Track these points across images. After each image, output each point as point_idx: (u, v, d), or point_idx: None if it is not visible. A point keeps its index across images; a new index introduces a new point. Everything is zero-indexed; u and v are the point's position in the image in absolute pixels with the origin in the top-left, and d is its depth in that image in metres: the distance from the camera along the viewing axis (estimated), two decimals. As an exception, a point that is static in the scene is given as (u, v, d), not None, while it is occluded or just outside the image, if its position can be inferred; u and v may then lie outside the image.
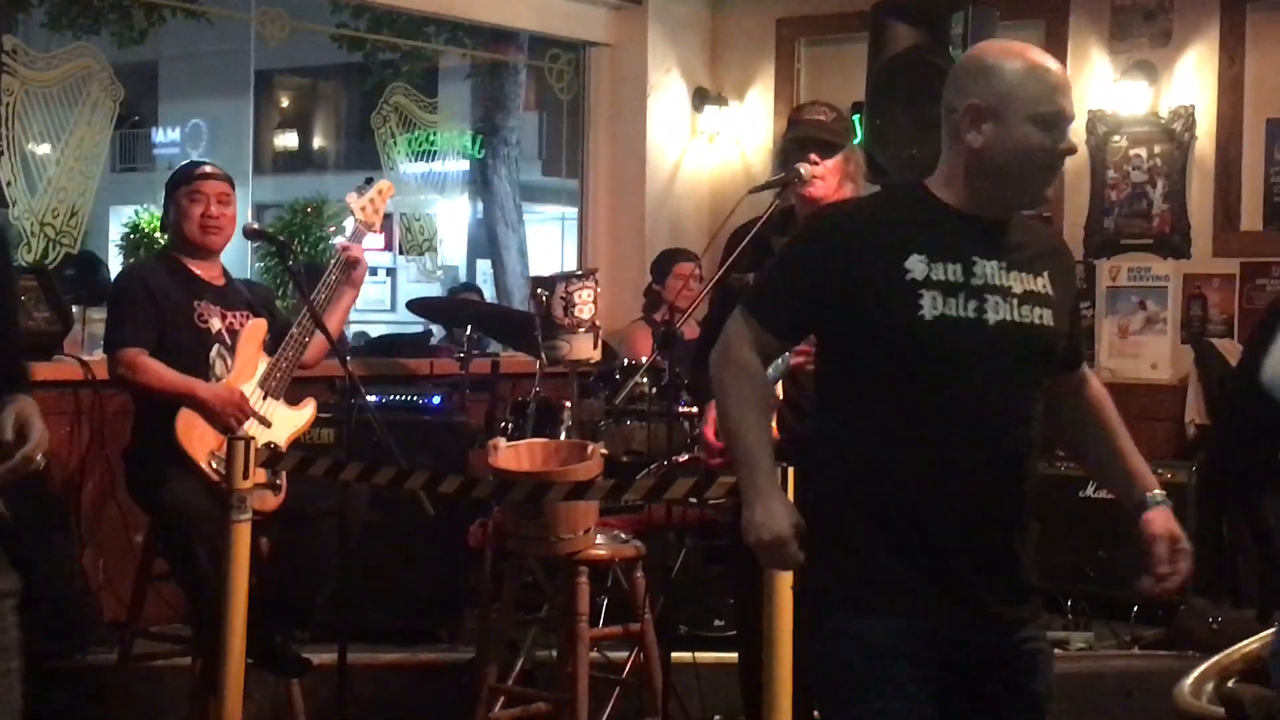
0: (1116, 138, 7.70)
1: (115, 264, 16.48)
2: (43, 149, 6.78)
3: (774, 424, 3.41)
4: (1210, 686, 1.93)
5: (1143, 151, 7.65)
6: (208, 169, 5.19)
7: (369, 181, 5.41)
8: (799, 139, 4.59)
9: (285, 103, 24.71)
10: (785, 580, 3.84)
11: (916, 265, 2.81)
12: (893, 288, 2.80)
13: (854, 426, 2.87)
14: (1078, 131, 7.78)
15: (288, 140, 24.61)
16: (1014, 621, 2.89)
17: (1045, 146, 2.86)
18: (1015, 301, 2.86)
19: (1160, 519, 2.96)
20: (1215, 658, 2.03)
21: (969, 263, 2.85)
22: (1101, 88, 7.72)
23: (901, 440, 2.82)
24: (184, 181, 5.08)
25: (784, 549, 2.81)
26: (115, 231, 21.10)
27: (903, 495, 2.81)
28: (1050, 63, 2.90)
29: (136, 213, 20.40)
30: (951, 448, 2.80)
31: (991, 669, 2.88)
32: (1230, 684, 1.96)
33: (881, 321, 2.81)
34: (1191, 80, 7.54)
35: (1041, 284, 2.92)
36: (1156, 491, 3.00)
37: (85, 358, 5.94)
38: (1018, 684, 2.91)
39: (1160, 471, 6.85)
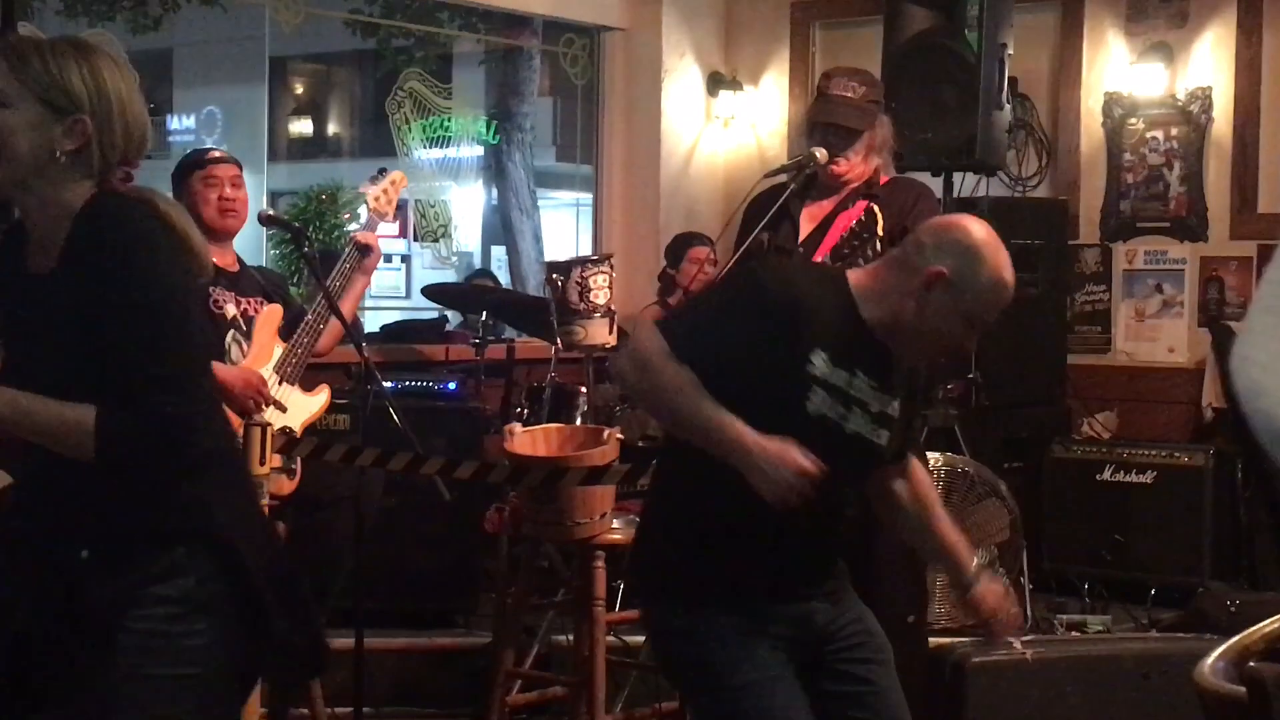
0: (1133, 120, 7.68)
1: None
2: (58, 136, 6.78)
3: None
4: (1231, 666, 1.93)
5: (1159, 134, 7.63)
6: (217, 153, 5.20)
7: (382, 172, 5.41)
8: (820, 124, 4.59)
9: (300, 89, 24.72)
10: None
11: (819, 361, 3.06)
12: (793, 372, 3.05)
13: (708, 461, 3.05)
14: (1094, 113, 7.76)
15: (302, 127, 24.62)
16: (833, 604, 3.25)
17: (957, 339, 3.19)
18: (869, 419, 3.16)
19: (986, 592, 3.32)
20: (1235, 638, 2.03)
21: (852, 373, 3.11)
22: (1118, 70, 7.70)
23: (745, 496, 3.00)
24: (196, 167, 5.09)
25: (803, 465, 2.95)
26: (131, 219, 21.05)
27: (738, 506, 3.04)
28: (1010, 278, 3.15)
29: (152, 200, 20.38)
30: (776, 513, 3.02)
31: (822, 640, 3.23)
32: (1251, 664, 1.95)
33: (769, 395, 3.04)
34: (1208, 62, 7.51)
35: (893, 408, 3.20)
36: (975, 565, 3.35)
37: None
38: (850, 661, 3.25)
39: (1177, 455, 6.93)
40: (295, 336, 5.03)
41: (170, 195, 4.93)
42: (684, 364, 3.04)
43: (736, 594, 3.15)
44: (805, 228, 4.35)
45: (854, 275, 3.20)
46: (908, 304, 3.10)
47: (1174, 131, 7.60)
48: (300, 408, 5.04)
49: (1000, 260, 3.12)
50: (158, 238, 2.58)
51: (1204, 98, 7.50)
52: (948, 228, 3.17)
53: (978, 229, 3.15)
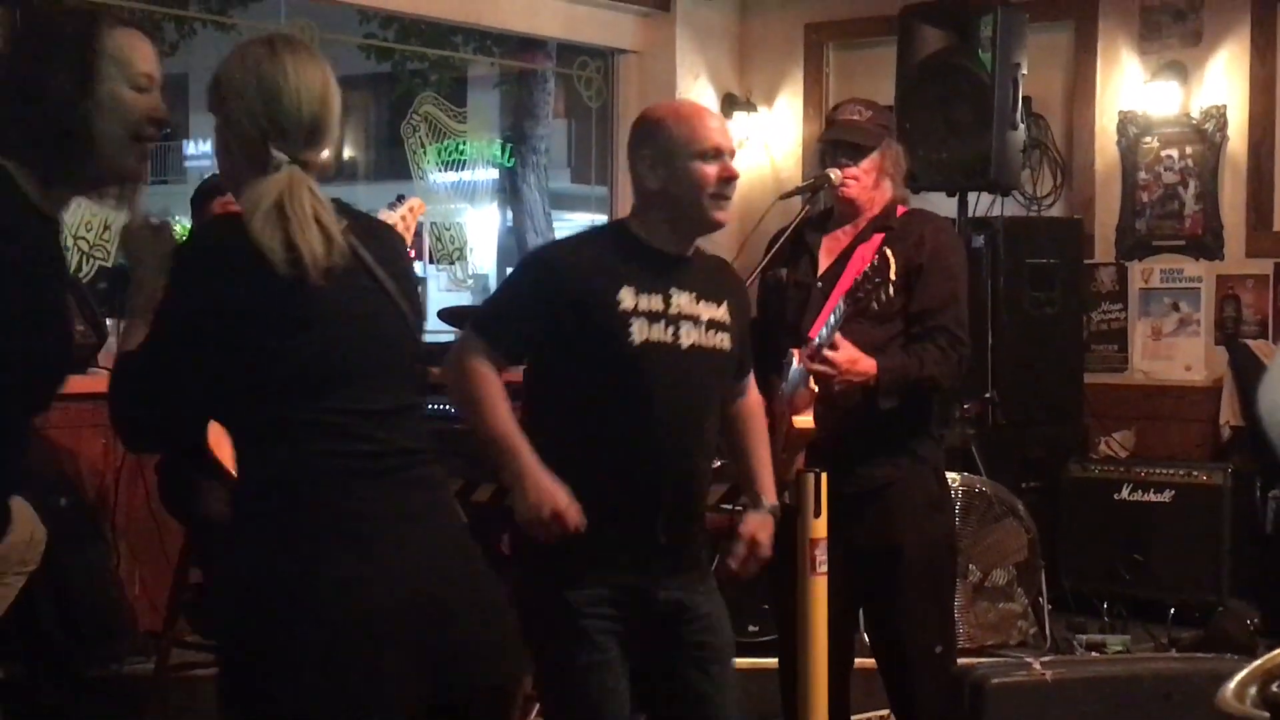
0: (1147, 139, 7.68)
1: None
2: (75, 162, 6.80)
3: (811, 421, 3.94)
4: (1254, 690, 1.92)
5: (1174, 152, 7.62)
6: None
7: (401, 198, 5.42)
8: (829, 141, 4.59)
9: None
10: (821, 583, 3.85)
11: (626, 296, 3.27)
12: (606, 313, 3.25)
13: (563, 430, 3.28)
14: (1109, 132, 7.76)
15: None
16: (684, 585, 3.36)
17: (711, 175, 3.36)
18: (702, 328, 3.35)
19: (753, 522, 3.54)
20: (1258, 661, 2.02)
21: (667, 294, 3.32)
22: (1132, 89, 7.70)
23: (603, 442, 3.27)
24: (216, 193, 5.10)
25: (564, 518, 3.18)
26: (147, 244, 21.14)
27: (600, 486, 3.22)
28: (677, 103, 3.61)
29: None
30: (644, 448, 3.27)
31: (667, 625, 3.34)
32: (1275, 687, 1.95)
33: (596, 343, 3.26)
34: (1222, 80, 7.51)
35: (722, 313, 3.40)
36: (766, 502, 3.57)
37: (120, 370, 5.95)
38: (690, 639, 3.37)
39: (1195, 474, 6.92)
40: None
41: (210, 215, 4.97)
42: (503, 355, 3.29)
43: (589, 566, 3.26)
44: (824, 261, 4.34)
45: (628, 218, 3.44)
46: (658, 200, 3.35)
47: (1189, 150, 7.59)
48: None
49: (675, 104, 3.64)
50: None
51: (1218, 116, 7.50)
52: (633, 130, 3.45)
53: (647, 109, 3.51)
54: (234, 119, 2.61)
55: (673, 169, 3.34)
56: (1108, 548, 6.93)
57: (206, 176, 5.52)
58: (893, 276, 4.08)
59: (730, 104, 8.81)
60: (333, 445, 2.57)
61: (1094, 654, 6.10)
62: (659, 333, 3.29)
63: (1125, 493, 7.00)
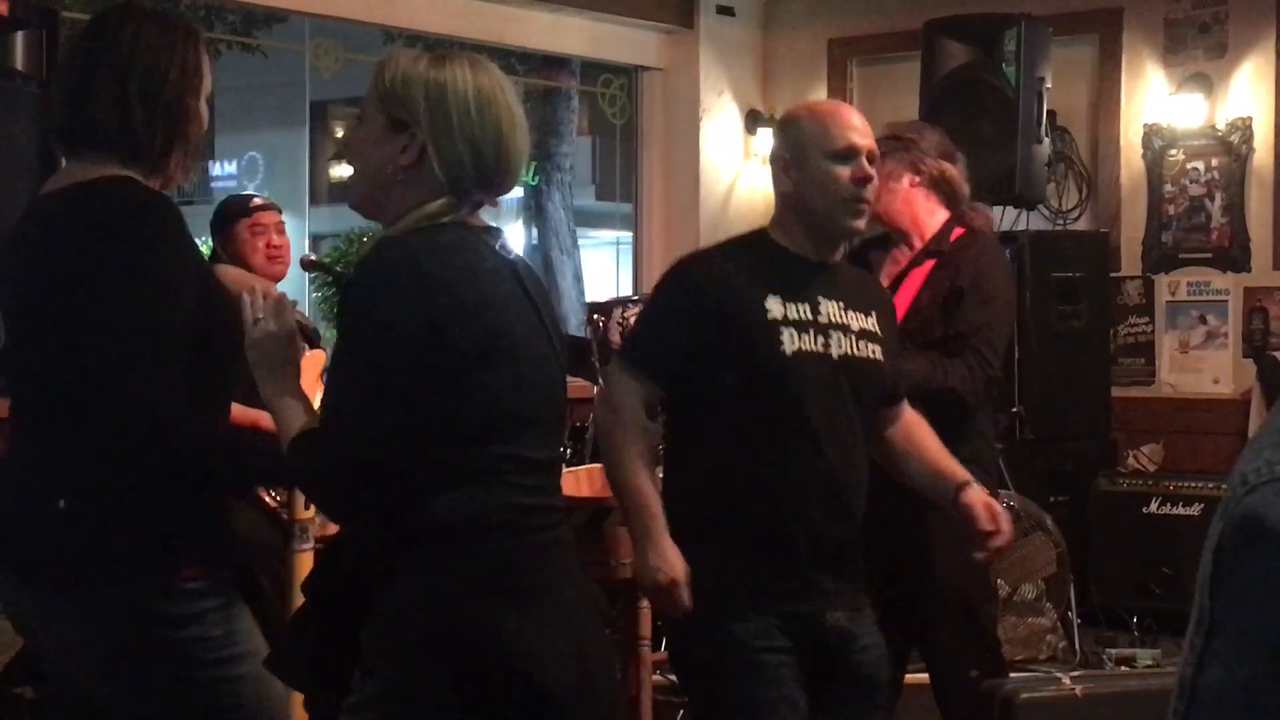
0: (1173, 151, 7.66)
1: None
2: (102, 184, 6.83)
3: None
4: None
5: (1200, 165, 7.60)
6: (260, 200, 5.24)
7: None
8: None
9: (340, 133, 24.89)
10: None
11: (774, 306, 3.14)
12: (755, 324, 3.12)
13: (714, 450, 3.16)
14: (1134, 145, 7.74)
15: (343, 170, 24.76)
16: (849, 611, 3.21)
17: (848, 184, 3.18)
18: (856, 338, 3.21)
19: (973, 494, 3.32)
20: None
21: (815, 302, 3.18)
22: (1157, 101, 7.68)
23: (758, 458, 3.12)
24: (241, 214, 5.12)
25: (677, 592, 3.05)
26: (174, 264, 21.19)
27: (756, 505, 3.12)
28: (826, 102, 3.43)
29: (194, 245, 20.51)
30: (801, 461, 3.12)
31: (835, 655, 3.19)
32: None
33: (746, 356, 3.13)
34: (1248, 92, 7.49)
35: (871, 324, 3.26)
36: (966, 480, 3.36)
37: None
38: (859, 670, 3.21)
39: (1224, 487, 6.84)
40: None
41: (242, 238, 4.98)
42: (656, 384, 3.16)
43: (754, 597, 3.12)
44: (883, 282, 4.29)
45: (769, 225, 3.31)
46: (793, 205, 3.22)
47: (1214, 162, 7.57)
48: None
49: (809, 104, 3.45)
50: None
51: (1244, 128, 7.48)
52: (777, 126, 3.36)
53: (785, 110, 3.40)
54: (455, 143, 2.45)
55: (804, 171, 3.19)
56: (1137, 562, 6.90)
57: (226, 198, 5.54)
58: (936, 307, 4.06)
59: (753, 120, 8.82)
60: (508, 496, 2.42)
61: (1124, 669, 6.08)
62: (809, 342, 3.14)
63: (1154, 506, 6.98)
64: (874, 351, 3.24)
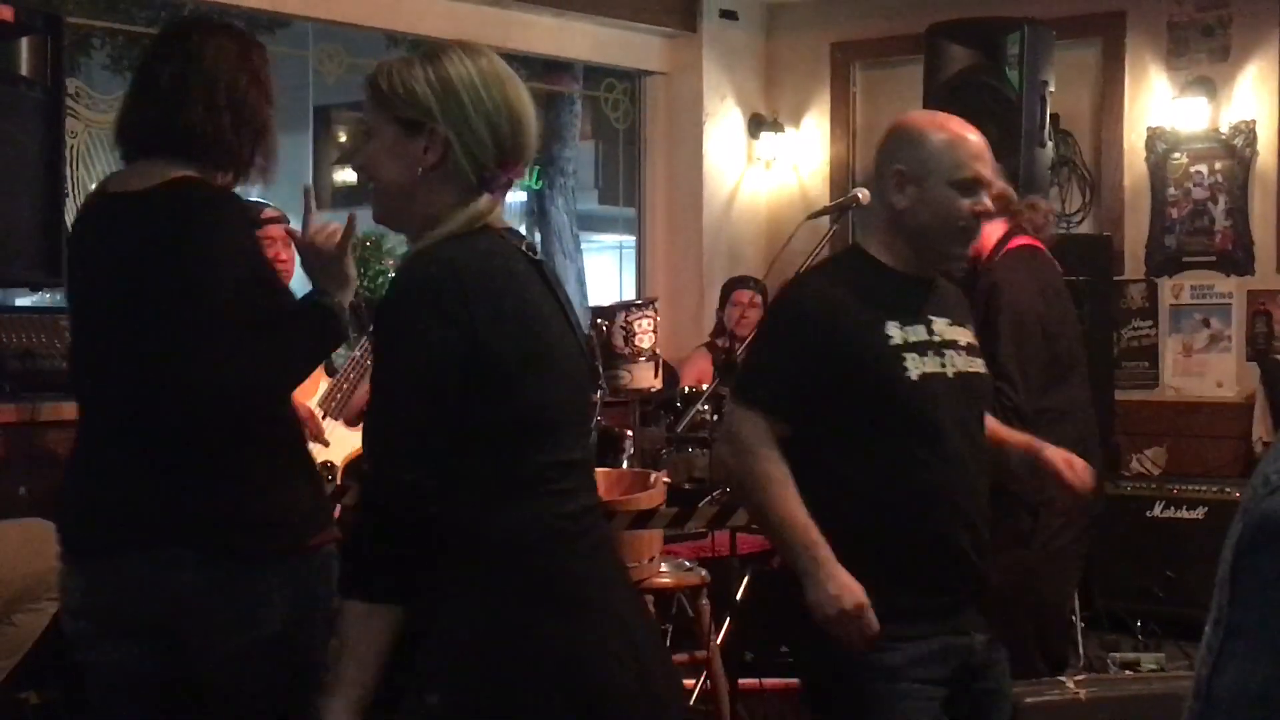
0: (1176, 155, 7.66)
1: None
2: (106, 189, 6.84)
3: None
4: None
5: (1203, 168, 7.60)
6: (270, 211, 5.24)
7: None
8: None
9: (344, 138, 24.91)
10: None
11: (894, 331, 3.05)
12: (878, 352, 3.03)
13: (845, 483, 3.03)
14: (1137, 149, 7.74)
15: (347, 175, 24.77)
16: (986, 636, 3.14)
17: (968, 209, 3.08)
18: (964, 353, 3.15)
19: (1051, 452, 3.31)
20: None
21: (928, 322, 3.11)
22: (1160, 105, 7.68)
23: (894, 487, 3.02)
24: (251, 225, 5.12)
25: (866, 615, 2.95)
26: (178, 269, 21.28)
27: (898, 533, 3.02)
28: (956, 122, 3.14)
29: (198, 250, 20.54)
30: (939, 486, 3.04)
31: (978, 677, 3.12)
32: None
33: (872, 386, 3.03)
34: (1251, 95, 7.49)
35: (971, 336, 3.22)
36: (1042, 445, 3.34)
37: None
38: (993, 690, 3.16)
39: (1228, 491, 6.88)
40: (342, 371, 5.08)
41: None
42: (780, 420, 3.03)
43: (901, 624, 3.01)
44: None
45: (864, 241, 3.21)
46: (903, 222, 3.10)
47: (1218, 165, 7.57)
48: (343, 442, 5.08)
49: (936, 118, 3.16)
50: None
51: (1247, 131, 7.48)
52: (883, 137, 3.19)
53: (902, 117, 3.20)
54: (474, 127, 2.42)
55: (924, 191, 3.07)
56: (1141, 566, 6.90)
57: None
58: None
59: (757, 124, 8.82)
60: (552, 505, 2.40)
61: (1128, 673, 6.07)
62: (931, 364, 3.07)
63: (1158, 510, 6.97)
64: (980, 365, 3.20)
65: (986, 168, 3.14)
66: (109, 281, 2.91)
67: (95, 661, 3.02)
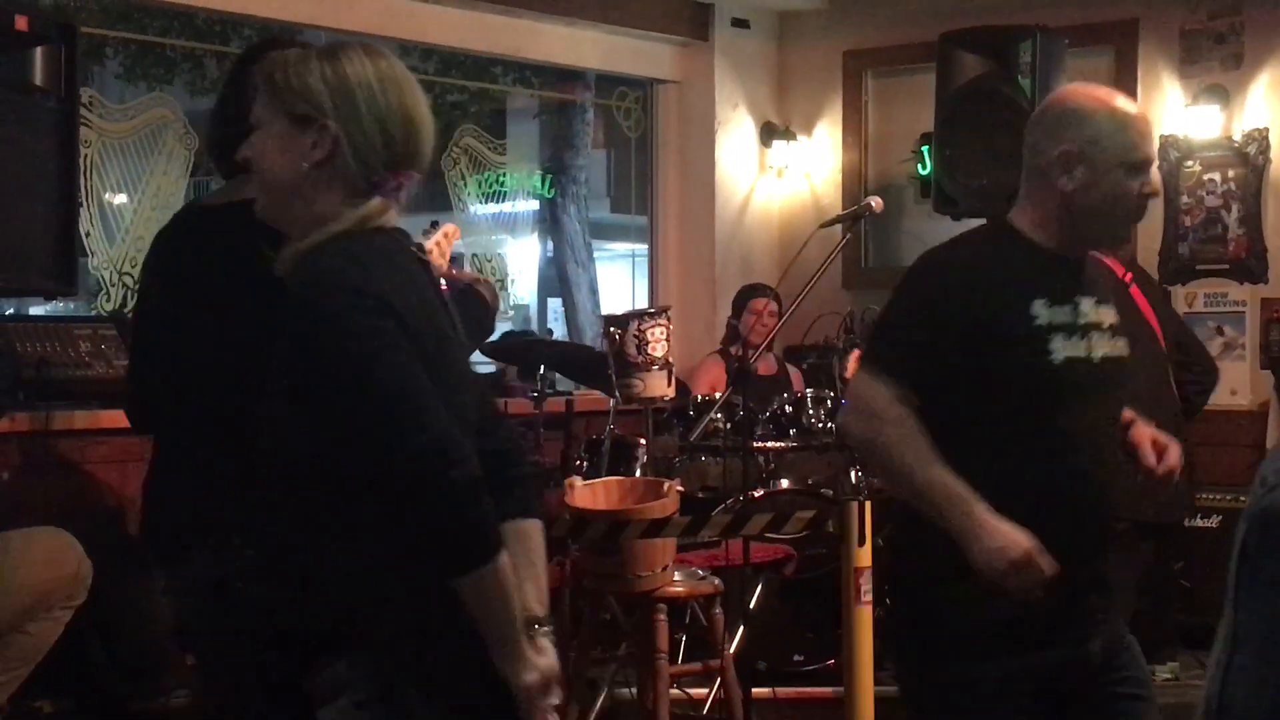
0: (1190, 163, 7.64)
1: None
2: (120, 199, 6.86)
3: None
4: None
5: (1217, 176, 7.59)
6: None
7: (435, 224, 5.44)
8: None
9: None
10: (866, 613, 3.83)
11: (1040, 311, 2.92)
12: (1023, 332, 2.90)
13: (972, 466, 2.86)
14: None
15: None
16: (1112, 641, 3.02)
17: (1135, 191, 2.97)
18: (1109, 335, 3.01)
19: (1140, 424, 3.13)
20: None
21: (1075, 303, 2.97)
22: (1173, 113, 7.67)
23: (1025, 478, 2.89)
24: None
25: (1038, 560, 2.80)
26: (190, 278, 21.36)
27: (1025, 525, 2.81)
28: (1125, 101, 3.01)
29: (211, 259, 20.62)
30: (1074, 479, 2.91)
31: (1096, 678, 2.98)
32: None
33: (1011, 366, 2.90)
34: (1264, 103, 7.48)
35: (1115, 315, 3.07)
36: (1132, 417, 3.14)
37: (164, 404, 5.98)
38: (1126, 683, 3.03)
39: (1242, 500, 6.84)
40: None
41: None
42: (911, 389, 2.87)
43: (1015, 639, 2.88)
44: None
45: (1014, 218, 3.06)
46: (1069, 203, 2.97)
47: (1231, 173, 7.56)
48: None
49: (1103, 95, 3.02)
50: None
51: (1260, 139, 7.46)
52: (1044, 112, 3.06)
53: (1065, 93, 3.08)
54: (365, 128, 2.41)
55: (1095, 173, 2.94)
56: (1155, 574, 6.87)
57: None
58: None
59: (769, 132, 8.82)
60: None
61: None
62: (1074, 347, 2.95)
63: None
64: (1123, 347, 3.07)
65: (1153, 147, 3.05)
66: (237, 284, 2.89)
67: None
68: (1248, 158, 7.50)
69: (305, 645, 2.47)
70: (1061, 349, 2.92)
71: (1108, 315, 3.04)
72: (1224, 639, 0.98)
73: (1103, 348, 2.99)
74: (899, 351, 2.96)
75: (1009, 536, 2.78)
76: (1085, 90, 3.05)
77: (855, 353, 5.57)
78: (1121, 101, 3.01)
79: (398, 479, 2.29)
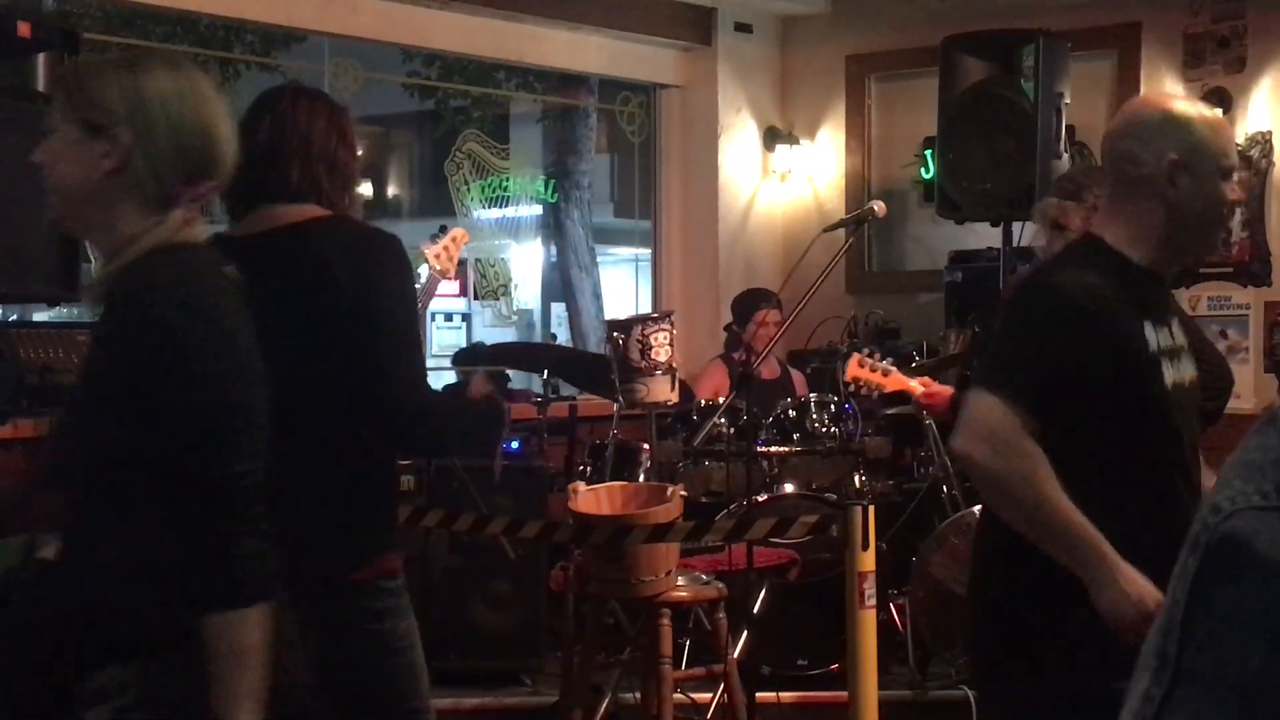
0: (1192, 166, 7.63)
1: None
2: (123, 204, 6.86)
3: None
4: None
5: (1220, 179, 7.57)
6: None
7: (443, 229, 5.45)
8: None
9: (359, 151, 24.95)
10: (870, 617, 3.82)
11: (1150, 335, 2.87)
12: (1140, 359, 2.85)
13: (1091, 493, 2.79)
14: (1242, 195, 7.71)
15: (362, 188, 24.80)
16: None
17: (1228, 197, 2.94)
18: (1184, 358, 2.97)
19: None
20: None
21: (1169, 325, 2.94)
22: (1176, 116, 7.66)
23: (1145, 501, 2.85)
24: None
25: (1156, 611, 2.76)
26: (194, 283, 21.38)
27: (1145, 553, 2.75)
28: (1206, 106, 3.02)
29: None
30: (1184, 506, 2.85)
31: None
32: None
33: (1126, 392, 2.84)
34: (1267, 106, 7.47)
35: (1185, 335, 3.03)
36: None
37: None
38: None
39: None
40: None
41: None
42: (1037, 415, 2.77)
43: (1117, 649, 2.73)
44: None
45: (1103, 233, 2.95)
46: (1174, 215, 2.89)
47: (1235, 177, 7.53)
48: None
49: (1191, 105, 2.99)
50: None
51: (1264, 142, 7.46)
52: (1134, 122, 2.97)
53: (1151, 101, 3.06)
54: (158, 140, 2.36)
55: (1199, 181, 2.88)
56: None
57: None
58: None
59: (772, 137, 8.83)
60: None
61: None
62: (1175, 372, 2.90)
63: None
64: (1193, 369, 3.02)
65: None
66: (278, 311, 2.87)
67: None
68: (1251, 161, 7.49)
69: (80, 652, 2.42)
70: (1168, 375, 2.88)
71: (1181, 336, 3.00)
72: (1156, 674, 0.94)
73: (1188, 371, 2.97)
74: (1029, 376, 2.83)
75: (1143, 588, 2.72)
76: (1170, 98, 3.06)
77: (855, 356, 5.55)
78: (1208, 109, 2.99)
79: (201, 501, 2.28)
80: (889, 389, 5.57)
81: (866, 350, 5.79)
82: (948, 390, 5.21)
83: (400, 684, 3.12)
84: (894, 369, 5.67)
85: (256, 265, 2.95)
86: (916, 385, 5.37)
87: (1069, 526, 2.74)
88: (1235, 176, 2.96)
